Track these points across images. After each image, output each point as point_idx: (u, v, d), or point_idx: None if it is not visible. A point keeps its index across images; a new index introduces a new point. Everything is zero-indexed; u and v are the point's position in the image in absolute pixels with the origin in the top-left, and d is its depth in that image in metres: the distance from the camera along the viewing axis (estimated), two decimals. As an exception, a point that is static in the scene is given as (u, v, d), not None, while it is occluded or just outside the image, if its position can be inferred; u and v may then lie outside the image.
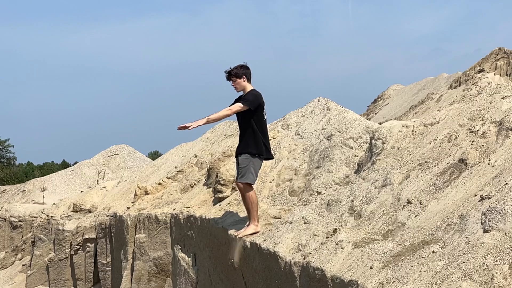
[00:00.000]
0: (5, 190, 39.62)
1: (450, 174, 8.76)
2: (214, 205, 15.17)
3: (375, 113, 46.29)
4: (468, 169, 8.61)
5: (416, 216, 8.27)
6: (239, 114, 10.90)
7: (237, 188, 11.71)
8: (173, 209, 16.93)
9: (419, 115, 29.46)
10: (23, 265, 25.97)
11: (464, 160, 8.77)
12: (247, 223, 11.52)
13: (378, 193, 9.68)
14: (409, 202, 8.72)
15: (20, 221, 27.46)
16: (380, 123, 16.62)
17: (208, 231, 13.98)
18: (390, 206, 9.03)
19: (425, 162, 9.58)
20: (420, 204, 8.49)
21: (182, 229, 15.82)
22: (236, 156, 11.18)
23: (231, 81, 10.75)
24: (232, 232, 11.98)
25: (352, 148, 13.03)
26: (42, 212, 25.57)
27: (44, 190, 32.70)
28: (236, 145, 11.50)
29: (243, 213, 12.82)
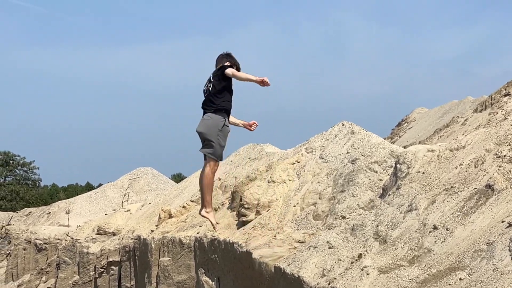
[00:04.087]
0: (30, 212, 39.88)
1: (476, 199, 8.68)
2: (238, 228, 15.15)
3: (399, 137, 46.02)
4: (495, 195, 8.53)
5: (442, 242, 8.20)
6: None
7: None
8: (197, 233, 16.94)
9: (444, 138, 29.26)
10: (48, 287, 26.07)
11: (491, 186, 8.69)
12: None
13: (404, 218, 9.62)
14: (435, 227, 8.64)
15: (45, 243, 27.62)
16: (405, 147, 16.53)
17: (232, 255, 13.95)
18: (416, 231, 8.96)
19: (451, 187, 9.51)
20: (447, 230, 8.42)
21: (206, 253, 15.81)
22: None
23: (227, 62, 9.40)
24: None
25: (376, 172, 12.98)
26: (67, 235, 25.71)
27: (69, 213, 32.89)
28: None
29: (267, 237, 12.80)
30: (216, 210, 17.93)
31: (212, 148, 8.13)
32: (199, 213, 8.64)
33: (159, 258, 18.31)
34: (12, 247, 29.41)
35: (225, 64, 8.56)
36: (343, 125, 16.82)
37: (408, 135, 44.11)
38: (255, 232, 13.86)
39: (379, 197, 11.71)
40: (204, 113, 8.29)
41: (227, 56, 8.79)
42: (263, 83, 7.94)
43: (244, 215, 15.27)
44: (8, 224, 34.83)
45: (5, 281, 28.40)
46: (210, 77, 8.44)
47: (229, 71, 8.16)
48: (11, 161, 68.87)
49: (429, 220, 8.93)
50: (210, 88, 8.28)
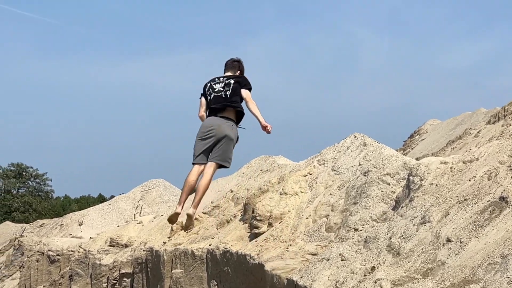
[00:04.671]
0: (43, 224, 40.02)
1: (490, 212, 8.65)
2: (250, 240, 15.15)
3: (412, 148, 45.90)
4: (509, 207, 8.49)
5: (456, 254, 8.17)
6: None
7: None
8: (210, 245, 16.95)
9: (457, 150, 29.18)
10: (60, 299, 26.09)
11: (505, 198, 8.66)
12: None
13: (417, 231, 9.59)
14: (448, 240, 8.62)
15: (58, 255, 27.70)
16: (417, 159, 16.50)
17: (244, 267, 13.95)
18: (429, 244, 8.93)
19: (465, 199, 9.48)
20: (460, 242, 8.39)
21: (219, 265, 15.80)
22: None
23: (237, 71, 9.21)
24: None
25: (389, 184, 12.96)
26: (80, 247, 25.78)
27: (81, 224, 32.98)
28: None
29: (279, 249, 12.78)
30: (228, 222, 17.94)
31: (229, 158, 8.01)
32: (187, 213, 7.99)
33: (172, 270, 18.32)
34: (25, 259, 29.53)
35: (237, 73, 8.47)
36: (355, 137, 16.82)
37: (421, 147, 43.99)
38: (268, 244, 13.86)
39: (392, 209, 11.69)
40: (220, 115, 8.11)
41: (239, 63, 8.71)
42: (265, 128, 7.88)
43: (257, 227, 15.27)
44: (21, 236, 34.98)
45: (18, 293, 28.51)
46: (230, 81, 8.22)
47: (245, 94, 8.04)
48: (24, 173, 69.26)
49: (443, 233, 8.91)
50: (228, 93, 8.12)
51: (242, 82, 8.18)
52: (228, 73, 8.47)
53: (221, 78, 8.35)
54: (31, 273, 28.39)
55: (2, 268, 31.87)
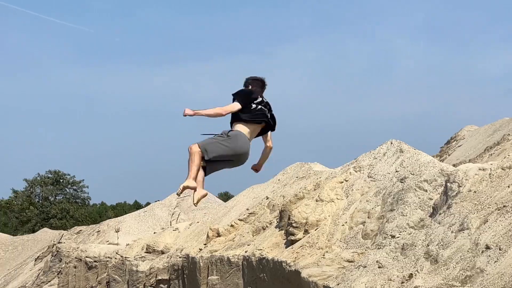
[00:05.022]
0: (80, 230, 40.52)
1: (530, 219, 8.54)
2: (286, 247, 15.16)
3: (449, 155, 45.37)
4: (549, 214, 8.38)
5: (495, 262, 8.08)
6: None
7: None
8: (245, 251, 16.99)
9: (495, 157, 28.80)
10: (98, 305, 26.35)
11: (545, 205, 8.55)
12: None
13: (455, 238, 9.51)
14: (487, 247, 8.53)
15: (95, 261, 28.00)
16: (454, 165, 16.36)
17: (280, 273, 13.96)
18: (468, 251, 8.85)
19: (504, 206, 9.38)
20: (500, 249, 8.30)
21: (255, 272, 15.83)
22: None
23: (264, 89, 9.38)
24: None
25: (426, 191, 12.86)
26: (117, 253, 26.04)
27: (118, 231, 33.30)
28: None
29: (316, 256, 12.77)
30: (264, 229, 17.97)
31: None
32: (205, 192, 8.07)
33: (208, 276, 18.41)
34: (63, 265, 29.92)
35: (263, 94, 8.34)
36: (391, 143, 16.74)
37: (458, 153, 43.50)
38: (304, 251, 13.85)
39: (429, 216, 11.61)
40: (250, 136, 7.84)
41: (263, 86, 8.57)
42: (256, 170, 8.03)
43: (293, 234, 15.27)
44: (59, 242, 35.45)
45: (56, 299, 28.88)
46: (270, 104, 8.15)
47: (271, 136, 8.00)
48: (61, 180, 70.23)
49: (481, 240, 8.83)
50: (268, 114, 7.93)
51: (271, 108, 8.16)
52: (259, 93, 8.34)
53: (262, 95, 8.25)
54: (69, 279, 28.75)
55: (41, 274, 32.34)
